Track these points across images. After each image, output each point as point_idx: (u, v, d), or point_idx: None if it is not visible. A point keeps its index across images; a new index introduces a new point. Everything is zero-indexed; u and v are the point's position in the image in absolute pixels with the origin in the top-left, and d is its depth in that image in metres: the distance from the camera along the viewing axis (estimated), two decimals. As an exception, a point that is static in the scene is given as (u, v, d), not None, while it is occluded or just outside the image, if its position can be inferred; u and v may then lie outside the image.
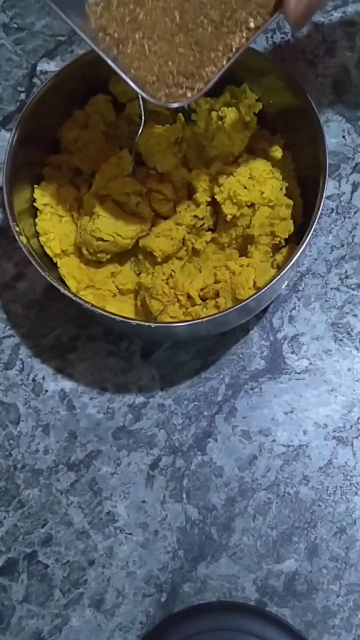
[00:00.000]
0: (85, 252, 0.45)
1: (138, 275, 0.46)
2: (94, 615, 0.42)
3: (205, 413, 0.45)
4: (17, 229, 0.41)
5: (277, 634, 0.40)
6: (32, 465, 0.45)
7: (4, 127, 0.52)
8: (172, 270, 0.44)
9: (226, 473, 0.44)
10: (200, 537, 0.43)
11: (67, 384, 0.46)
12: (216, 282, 0.44)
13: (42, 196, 0.45)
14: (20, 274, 0.48)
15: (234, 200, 0.44)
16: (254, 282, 0.43)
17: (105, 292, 0.45)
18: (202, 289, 0.44)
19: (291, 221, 0.44)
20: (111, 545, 0.43)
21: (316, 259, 0.48)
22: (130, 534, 0.43)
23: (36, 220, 0.45)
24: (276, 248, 0.45)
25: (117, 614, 0.42)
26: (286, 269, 0.39)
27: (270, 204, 0.44)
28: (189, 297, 0.44)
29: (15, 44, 0.54)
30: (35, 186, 0.45)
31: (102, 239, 0.43)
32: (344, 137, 0.51)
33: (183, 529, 0.43)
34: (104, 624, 0.42)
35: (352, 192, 0.50)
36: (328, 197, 0.50)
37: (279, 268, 0.43)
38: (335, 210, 0.49)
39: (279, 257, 0.44)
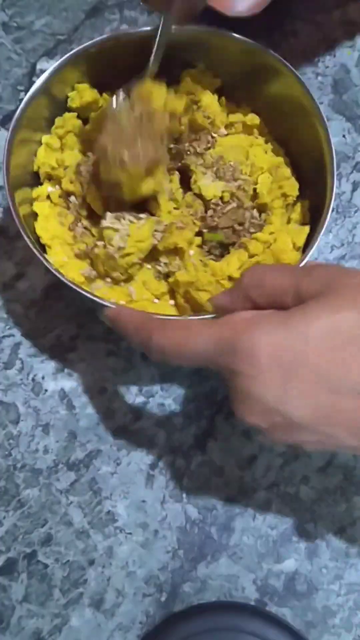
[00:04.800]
0: (102, 279, 0.44)
1: (165, 278, 0.45)
2: (93, 615, 0.42)
3: (205, 413, 0.45)
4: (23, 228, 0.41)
5: (277, 634, 0.40)
6: (32, 464, 0.45)
7: (3, 126, 0.52)
8: (200, 260, 0.44)
9: (226, 473, 0.44)
10: (200, 537, 0.43)
11: (67, 384, 0.46)
12: (251, 256, 0.44)
13: (45, 231, 0.45)
14: (20, 273, 0.48)
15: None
16: (294, 244, 0.43)
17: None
18: (239, 267, 0.44)
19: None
20: (111, 545, 0.43)
21: (316, 259, 0.48)
22: (130, 533, 0.43)
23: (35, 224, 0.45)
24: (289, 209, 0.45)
25: (117, 614, 0.42)
26: (325, 224, 0.41)
27: (265, 170, 0.45)
28: (230, 279, 0.43)
29: (15, 43, 0.54)
30: (36, 223, 0.45)
31: (127, 254, 0.43)
32: (344, 136, 0.51)
33: (183, 529, 0.43)
34: (103, 624, 0.42)
35: (353, 191, 0.50)
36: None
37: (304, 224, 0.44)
38: (335, 210, 0.49)
39: (295, 216, 0.45)
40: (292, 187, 0.45)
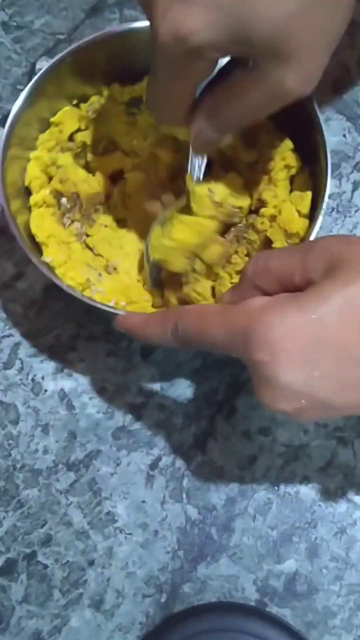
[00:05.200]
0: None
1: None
2: (93, 615, 0.42)
3: (205, 413, 0.45)
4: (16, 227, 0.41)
5: (277, 634, 0.40)
6: (32, 465, 0.45)
7: (3, 125, 0.51)
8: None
9: (226, 473, 0.44)
10: (200, 537, 0.43)
11: (67, 384, 0.46)
12: (259, 232, 0.44)
13: (41, 230, 0.45)
14: (19, 273, 0.48)
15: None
16: (298, 211, 0.43)
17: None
18: (246, 254, 0.44)
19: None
20: (111, 545, 0.43)
21: (316, 258, 0.48)
22: (130, 534, 0.43)
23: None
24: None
25: (117, 614, 0.42)
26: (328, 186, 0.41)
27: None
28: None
29: (15, 42, 0.54)
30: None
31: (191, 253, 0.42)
32: (344, 135, 0.51)
33: (183, 529, 0.43)
34: (103, 624, 0.42)
35: (353, 190, 0.50)
36: (328, 196, 0.50)
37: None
38: (335, 209, 0.49)
39: (296, 186, 0.44)
40: (295, 159, 0.44)
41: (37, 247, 0.44)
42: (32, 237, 0.44)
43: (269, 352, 0.31)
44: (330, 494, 0.44)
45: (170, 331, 0.36)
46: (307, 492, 0.44)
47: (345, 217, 0.49)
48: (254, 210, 0.44)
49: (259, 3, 0.30)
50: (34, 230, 0.44)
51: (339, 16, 0.33)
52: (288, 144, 0.44)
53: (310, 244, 0.33)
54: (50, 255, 0.44)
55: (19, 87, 0.53)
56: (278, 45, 0.31)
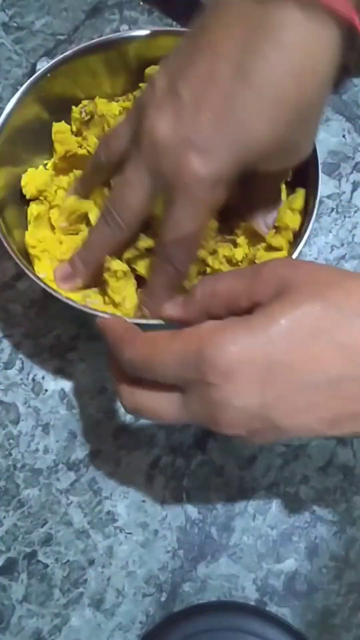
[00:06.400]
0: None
1: None
2: (93, 614, 0.42)
3: (205, 413, 0.45)
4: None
5: (277, 633, 0.40)
6: (32, 464, 0.45)
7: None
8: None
9: (226, 473, 0.44)
10: (200, 536, 0.43)
11: (67, 384, 0.46)
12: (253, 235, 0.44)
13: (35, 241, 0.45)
14: (20, 273, 0.48)
15: None
16: (292, 209, 0.43)
17: None
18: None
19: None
20: (111, 544, 0.43)
21: (316, 258, 0.48)
22: (130, 533, 0.43)
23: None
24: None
25: (117, 614, 0.42)
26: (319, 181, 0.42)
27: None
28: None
29: (15, 43, 0.54)
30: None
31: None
32: (344, 136, 0.51)
33: (183, 529, 0.43)
34: (103, 624, 0.42)
35: (352, 191, 0.50)
36: (328, 197, 0.50)
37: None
38: (335, 210, 0.49)
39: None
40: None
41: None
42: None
43: (222, 375, 0.31)
44: (330, 494, 0.44)
45: (117, 355, 0.36)
46: (307, 491, 0.44)
47: (344, 217, 0.49)
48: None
49: (253, 123, 0.36)
50: (29, 242, 0.44)
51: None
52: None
53: (257, 268, 0.34)
54: (43, 271, 0.44)
55: (19, 87, 0.53)
56: (276, 145, 0.37)
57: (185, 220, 0.38)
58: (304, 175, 0.43)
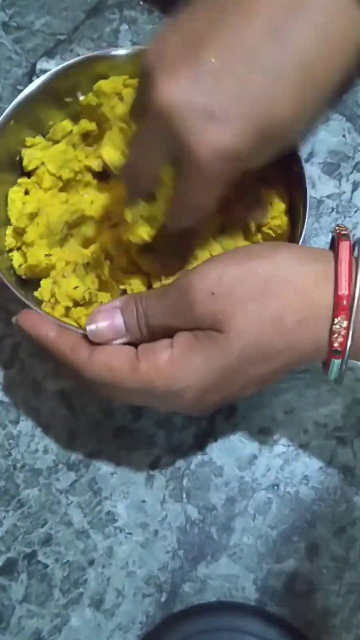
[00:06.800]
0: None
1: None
2: (93, 615, 0.42)
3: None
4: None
5: (277, 634, 0.40)
6: (32, 464, 0.45)
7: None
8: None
9: (226, 473, 0.44)
10: (200, 537, 0.43)
11: (67, 384, 0.46)
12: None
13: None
14: (19, 273, 0.48)
15: None
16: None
17: None
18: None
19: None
20: (111, 545, 0.43)
21: (316, 259, 0.48)
22: (130, 533, 0.43)
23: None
24: None
25: (117, 614, 0.42)
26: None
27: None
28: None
29: (15, 43, 0.54)
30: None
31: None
32: (344, 136, 0.51)
33: (183, 529, 0.43)
34: (103, 624, 0.42)
35: (352, 191, 0.50)
36: (328, 197, 0.50)
37: None
38: (335, 210, 0.49)
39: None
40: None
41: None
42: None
43: (189, 405, 0.37)
44: (330, 494, 0.44)
45: (79, 363, 0.38)
46: (307, 492, 0.44)
47: (344, 217, 0.49)
48: None
49: (277, 97, 0.34)
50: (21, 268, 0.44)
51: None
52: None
53: (188, 307, 0.35)
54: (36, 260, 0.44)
55: (19, 87, 0.53)
56: (294, 121, 0.36)
57: (196, 196, 0.37)
58: (292, 178, 0.43)
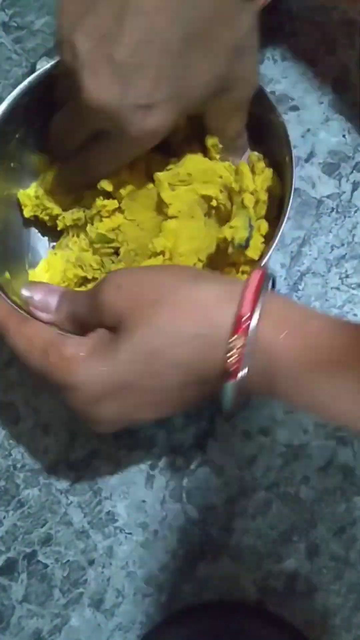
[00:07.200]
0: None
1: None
2: (93, 614, 0.42)
3: (205, 413, 0.45)
4: None
5: (277, 634, 0.40)
6: (32, 464, 0.45)
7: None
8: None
9: (226, 473, 0.44)
10: (200, 537, 0.43)
11: (67, 384, 0.46)
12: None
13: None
14: (19, 273, 0.48)
15: None
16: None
17: None
18: None
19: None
20: (111, 545, 0.43)
21: (316, 258, 0.48)
22: (130, 533, 0.43)
23: None
24: None
25: (117, 614, 0.42)
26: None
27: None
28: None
29: (15, 43, 0.54)
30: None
31: None
32: (344, 136, 0.51)
33: (183, 529, 0.43)
34: (103, 624, 0.42)
35: (352, 191, 0.50)
36: (328, 197, 0.50)
37: None
38: (335, 210, 0.49)
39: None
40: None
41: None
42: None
43: (87, 404, 0.36)
44: (330, 494, 0.44)
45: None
46: (307, 492, 0.44)
47: (344, 217, 0.49)
48: None
49: (191, 75, 0.38)
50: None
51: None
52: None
53: (98, 299, 0.36)
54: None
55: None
56: (217, 84, 0.39)
57: (121, 155, 0.41)
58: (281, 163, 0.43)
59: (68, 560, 0.43)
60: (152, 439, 0.45)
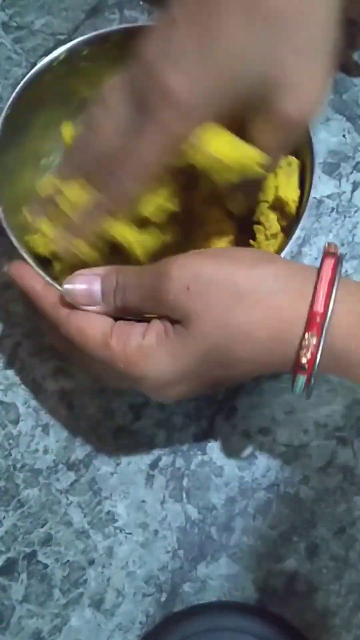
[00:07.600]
0: None
1: None
2: (93, 615, 0.42)
3: (205, 413, 0.45)
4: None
5: (277, 634, 0.40)
6: (32, 465, 0.45)
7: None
8: None
9: (226, 473, 0.44)
10: (200, 537, 0.43)
11: (67, 384, 0.46)
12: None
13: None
14: (19, 273, 0.48)
15: None
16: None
17: None
18: None
19: None
20: (111, 545, 0.43)
21: (316, 258, 0.48)
22: (130, 533, 0.43)
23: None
24: None
25: (117, 614, 0.42)
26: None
27: None
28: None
29: (15, 43, 0.54)
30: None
31: None
32: (344, 136, 0.51)
33: (183, 529, 0.43)
34: (103, 624, 0.42)
35: (353, 191, 0.50)
36: (328, 197, 0.50)
37: None
38: (335, 210, 0.49)
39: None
40: None
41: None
42: None
43: (152, 391, 0.38)
44: (330, 494, 0.44)
45: (57, 320, 0.38)
46: (307, 492, 0.44)
47: (345, 217, 0.49)
48: None
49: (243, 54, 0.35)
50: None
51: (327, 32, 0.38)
52: None
53: (162, 295, 0.35)
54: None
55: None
56: (273, 80, 0.36)
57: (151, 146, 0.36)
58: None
59: (68, 561, 0.43)
60: (152, 439, 0.45)
